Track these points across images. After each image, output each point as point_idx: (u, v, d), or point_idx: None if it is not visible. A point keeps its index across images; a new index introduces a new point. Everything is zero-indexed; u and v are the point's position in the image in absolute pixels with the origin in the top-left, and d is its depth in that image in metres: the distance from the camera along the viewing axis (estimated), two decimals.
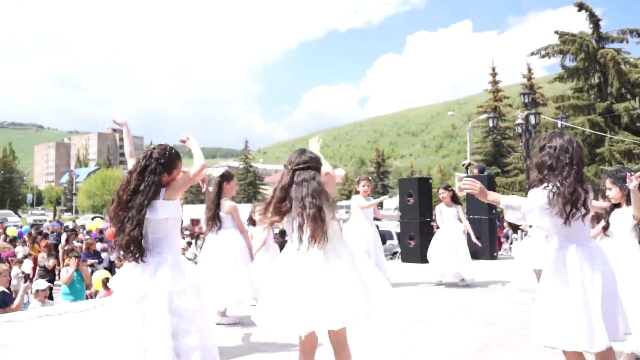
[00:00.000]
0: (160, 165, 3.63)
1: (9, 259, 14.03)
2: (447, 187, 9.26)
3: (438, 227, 9.73)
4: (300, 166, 3.47)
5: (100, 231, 22.31)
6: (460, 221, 9.03)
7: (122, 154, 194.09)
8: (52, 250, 13.18)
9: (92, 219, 38.53)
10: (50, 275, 12.21)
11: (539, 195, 3.28)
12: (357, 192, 9.05)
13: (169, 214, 3.60)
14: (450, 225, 8.97)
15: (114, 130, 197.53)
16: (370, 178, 9.54)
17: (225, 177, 6.34)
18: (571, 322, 3.13)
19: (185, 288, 3.48)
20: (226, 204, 6.18)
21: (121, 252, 3.53)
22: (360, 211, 8.84)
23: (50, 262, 12.38)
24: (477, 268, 9.33)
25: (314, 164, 3.52)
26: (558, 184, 3.23)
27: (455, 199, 9.15)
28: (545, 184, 3.30)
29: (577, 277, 3.19)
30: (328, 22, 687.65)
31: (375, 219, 9.59)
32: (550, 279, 3.33)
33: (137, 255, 3.48)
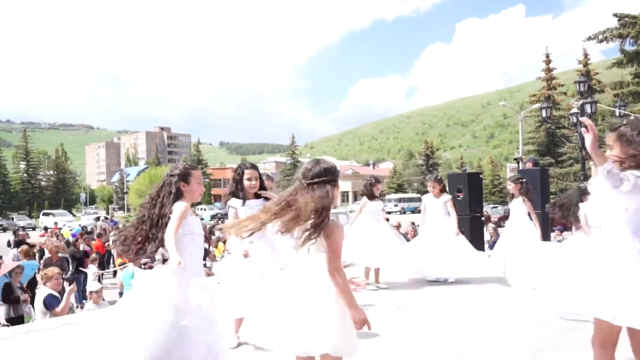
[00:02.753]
0: (174, 177, 3.89)
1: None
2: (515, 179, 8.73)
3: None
4: (315, 180, 3.10)
5: None
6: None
7: (170, 152, 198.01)
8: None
9: (96, 218, 39.01)
10: None
11: None
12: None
13: (183, 229, 3.67)
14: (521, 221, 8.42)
15: (162, 128, 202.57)
16: (439, 177, 9.27)
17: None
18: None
19: None
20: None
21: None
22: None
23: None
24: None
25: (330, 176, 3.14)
26: None
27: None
28: None
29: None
30: (374, 11, 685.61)
31: None
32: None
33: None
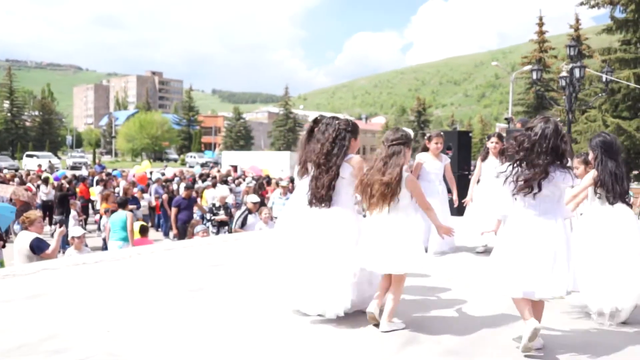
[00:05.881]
0: (349, 133, 4.54)
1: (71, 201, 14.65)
2: (501, 137, 8.00)
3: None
4: (394, 142, 4.33)
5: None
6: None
7: (161, 98, 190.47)
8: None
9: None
10: None
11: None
12: (427, 149, 7.81)
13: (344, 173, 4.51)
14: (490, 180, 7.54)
15: (153, 73, 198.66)
16: (442, 133, 7.99)
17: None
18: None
19: None
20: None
21: (314, 201, 4.53)
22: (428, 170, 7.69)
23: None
24: None
25: (404, 140, 4.36)
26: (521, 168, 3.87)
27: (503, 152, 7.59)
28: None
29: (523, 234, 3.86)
30: None
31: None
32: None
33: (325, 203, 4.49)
